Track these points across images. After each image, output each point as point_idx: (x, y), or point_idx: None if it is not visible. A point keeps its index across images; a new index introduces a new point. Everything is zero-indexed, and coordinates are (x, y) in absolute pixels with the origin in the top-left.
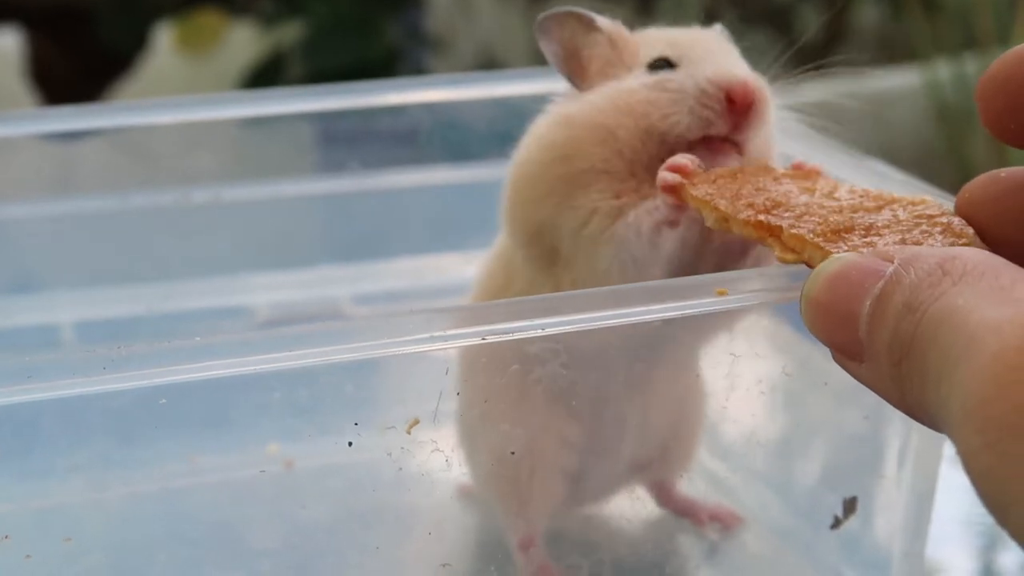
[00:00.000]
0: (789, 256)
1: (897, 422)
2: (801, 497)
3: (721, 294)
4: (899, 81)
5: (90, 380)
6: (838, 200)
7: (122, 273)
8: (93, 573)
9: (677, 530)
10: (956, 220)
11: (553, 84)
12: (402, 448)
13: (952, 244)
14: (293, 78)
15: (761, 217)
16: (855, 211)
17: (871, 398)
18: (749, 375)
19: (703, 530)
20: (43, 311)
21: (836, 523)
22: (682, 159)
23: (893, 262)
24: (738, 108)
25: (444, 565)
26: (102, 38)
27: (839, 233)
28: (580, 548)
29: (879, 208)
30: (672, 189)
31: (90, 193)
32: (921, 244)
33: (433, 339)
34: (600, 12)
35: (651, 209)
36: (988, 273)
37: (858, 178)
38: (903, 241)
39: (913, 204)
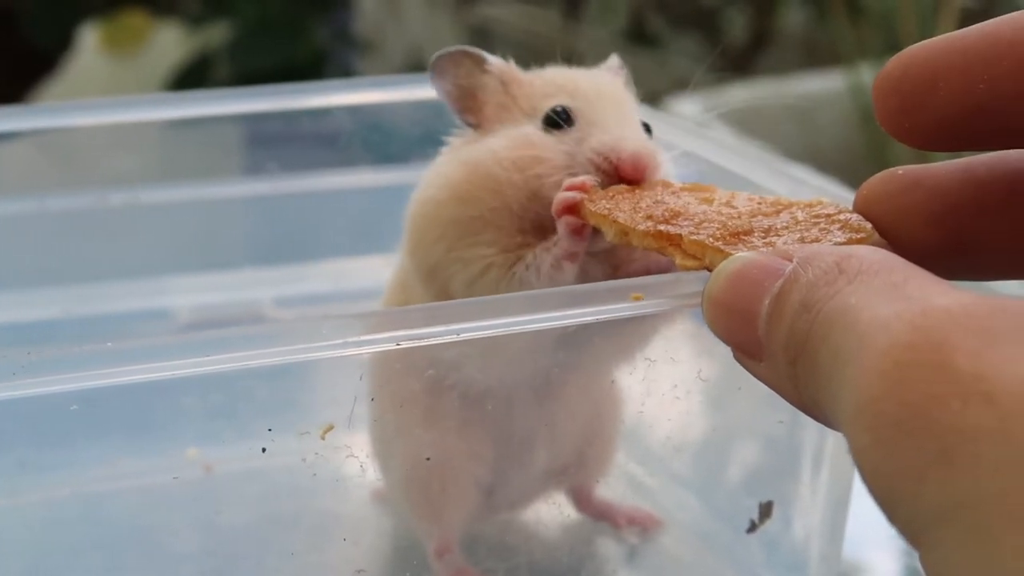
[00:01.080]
0: (690, 263)
1: (813, 426)
2: (720, 500)
3: (637, 299)
4: (824, 84)
5: (2, 385)
6: (736, 208)
7: (43, 275)
8: None
9: (595, 534)
10: (854, 217)
11: None
12: (316, 454)
13: (851, 239)
14: (220, 79)
15: (661, 227)
16: (753, 216)
17: (785, 404)
18: (665, 379)
19: (622, 533)
20: None
21: (752, 527)
22: (581, 178)
23: (792, 261)
24: (627, 180)
25: (359, 571)
26: (26, 38)
27: (738, 236)
28: (497, 552)
29: (777, 212)
30: (571, 208)
31: (10, 195)
32: (820, 241)
33: (347, 344)
34: (527, 15)
35: (548, 246)
36: (883, 271)
37: (777, 184)
38: (802, 240)
39: (810, 206)
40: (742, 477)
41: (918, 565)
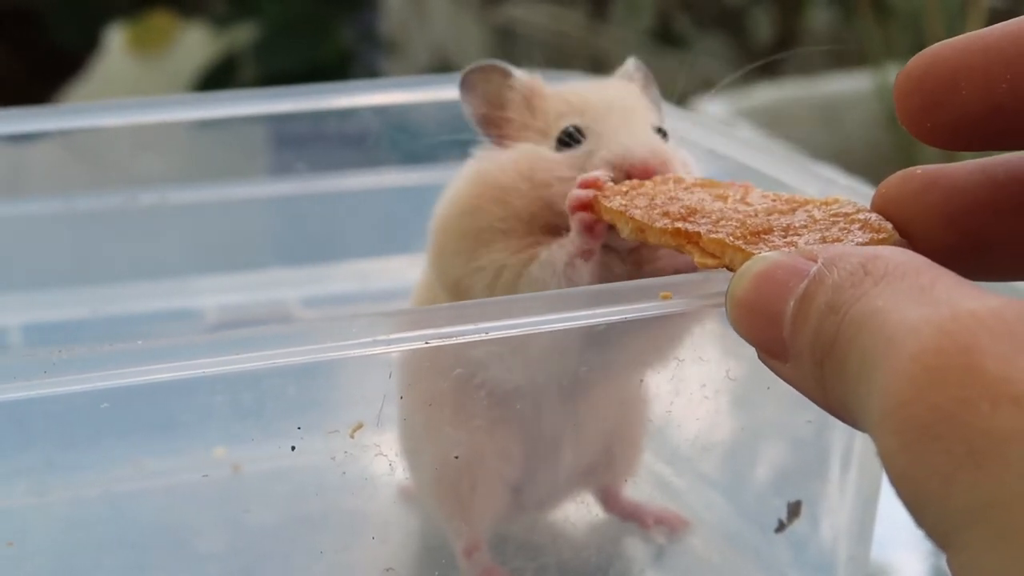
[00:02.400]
0: (710, 261)
1: (841, 426)
2: (748, 500)
3: (666, 298)
4: (851, 85)
5: (31, 384)
6: (751, 205)
7: (72, 275)
8: None
9: (623, 534)
10: (873, 216)
11: None
12: (345, 452)
13: (872, 239)
14: (246, 80)
15: (678, 224)
16: (770, 214)
17: (813, 404)
18: (693, 379)
19: (650, 534)
20: None
21: (780, 527)
22: (594, 174)
23: (816, 261)
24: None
25: (388, 570)
26: (53, 39)
27: (758, 235)
28: (525, 552)
29: (793, 210)
30: (586, 205)
31: (39, 195)
32: (842, 241)
33: (376, 343)
34: (553, 15)
35: (563, 243)
36: (910, 273)
37: (805, 184)
38: (823, 239)
39: (827, 204)
40: (770, 477)
41: (945, 567)
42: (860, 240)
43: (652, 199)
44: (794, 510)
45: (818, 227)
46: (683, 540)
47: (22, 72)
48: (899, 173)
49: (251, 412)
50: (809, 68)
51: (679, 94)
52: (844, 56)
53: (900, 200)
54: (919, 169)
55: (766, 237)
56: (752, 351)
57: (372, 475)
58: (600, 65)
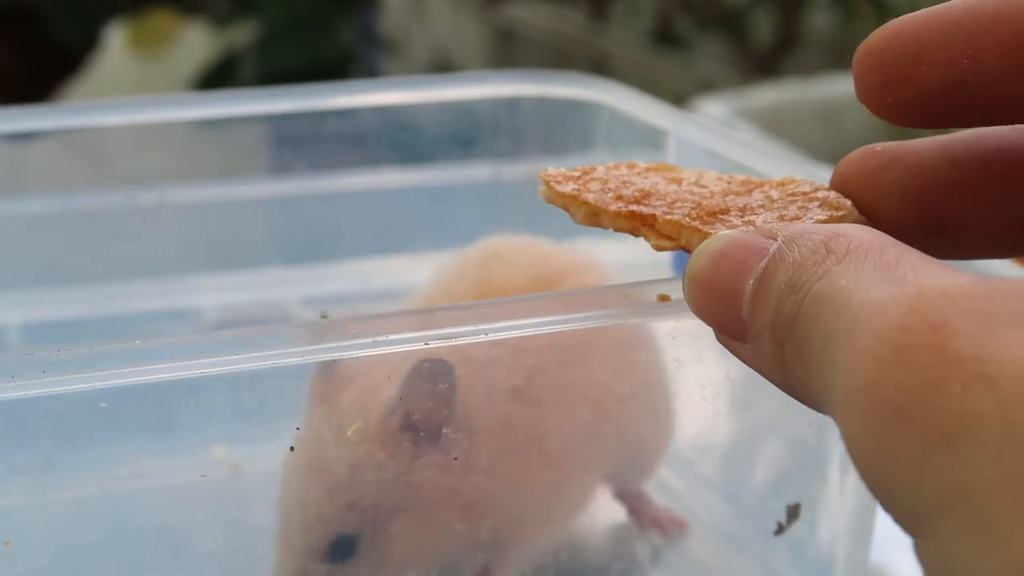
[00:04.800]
0: (666, 244)
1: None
2: (747, 502)
3: (663, 299)
4: (850, 87)
5: (30, 383)
6: (706, 187)
7: (70, 274)
8: None
9: (622, 534)
10: (832, 194)
11: (507, 87)
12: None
13: (831, 217)
14: (246, 79)
15: (633, 207)
16: (726, 195)
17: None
18: (693, 381)
19: (647, 534)
20: None
21: (780, 529)
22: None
23: (776, 239)
24: None
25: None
26: (52, 37)
27: (715, 215)
28: None
29: (749, 191)
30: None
31: (37, 194)
32: (800, 219)
33: (376, 343)
34: (553, 15)
35: None
36: (873, 251)
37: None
38: (781, 218)
39: (783, 184)
40: (769, 479)
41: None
42: (819, 218)
43: (605, 183)
44: (793, 512)
45: (775, 207)
46: (682, 542)
47: (21, 70)
48: (858, 150)
49: (251, 412)
50: (809, 69)
51: (678, 94)
52: (844, 57)
53: (859, 177)
54: (878, 146)
55: (723, 217)
56: None
57: None
58: (600, 66)
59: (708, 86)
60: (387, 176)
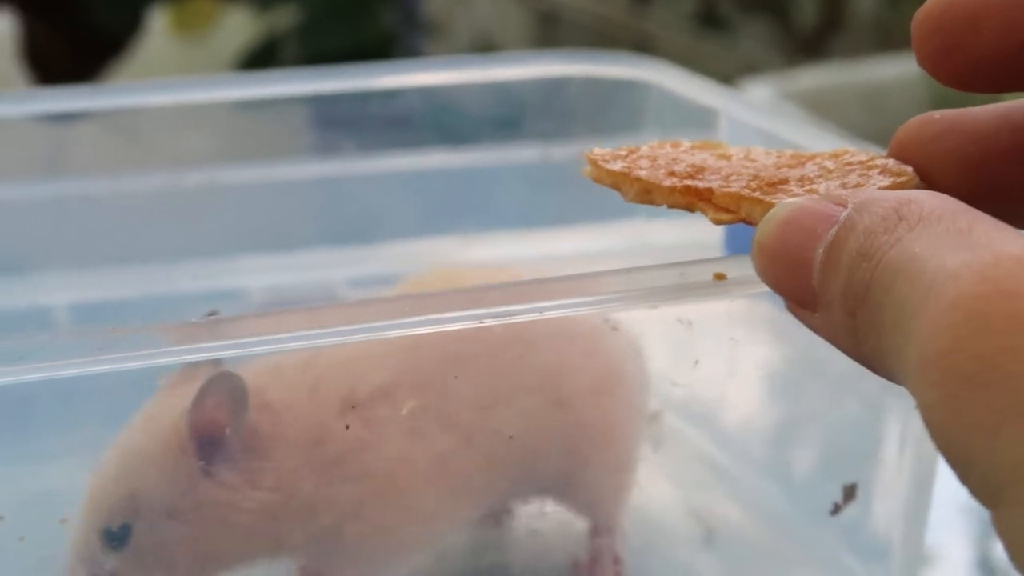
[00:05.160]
0: (724, 216)
1: (896, 407)
2: (800, 483)
3: (719, 278)
4: (895, 69)
5: (85, 361)
6: (756, 160)
7: (116, 255)
8: None
9: (670, 515)
10: (891, 161)
11: (554, 68)
12: None
13: (894, 183)
14: (287, 62)
15: (688, 182)
16: (780, 167)
17: (870, 384)
18: (748, 361)
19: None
20: (36, 293)
21: (836, 509)
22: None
23: (846, 206)
24: None
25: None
26: (96, 21)
27: (774, 185)
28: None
29: (802, 163)
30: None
31: (83, 175)
32: (863, 187)
33: (427, 322)
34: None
35: None
36: (946, 217)
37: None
38: (844, 186)
39: (836, 155)
40: (822, 460)
41: (996, 551)
42: (882, 184)
43: (654, 160)
44: (849, 493)
45: (834, 175)
46: (734, 524)
47: (65, 53)
48: (917, 118)
49: None
50: (854, 51)
51: (722, 77)
52: (889, 39)
53: (918, 145)
54: (937, 114)
55: (783, 187)
56: (806, 331)
57: None
58: (643, 49)
59: (752, 69)
60: (433, 157)
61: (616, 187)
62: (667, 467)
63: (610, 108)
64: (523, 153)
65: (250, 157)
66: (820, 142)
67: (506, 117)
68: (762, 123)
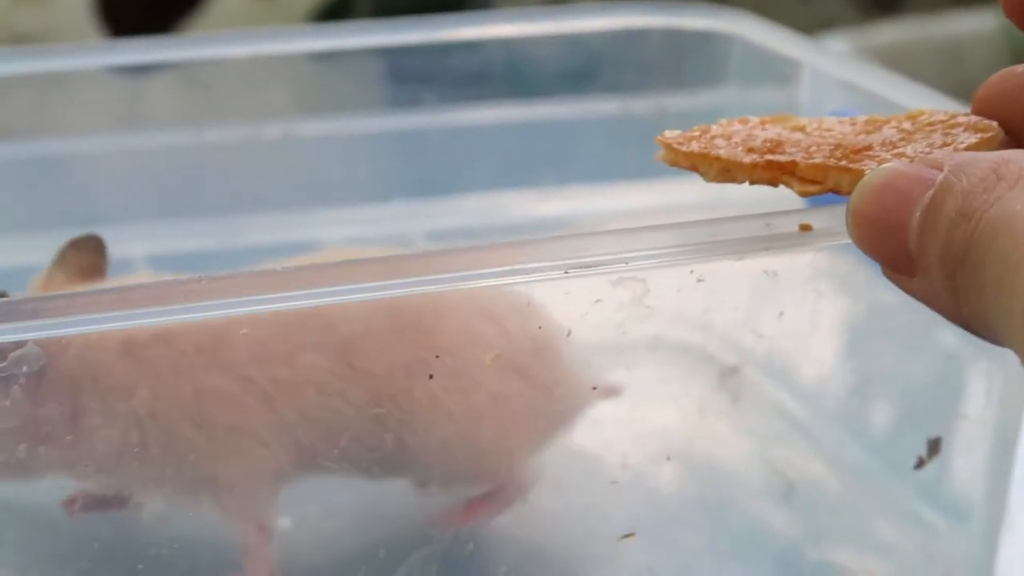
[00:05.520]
0: (811, 188)
1: (982, 361)
2: (880, 438)
3: (806, 229)
4: (974, 24)
5: (173, 309)
6: (832, 129)
7: (193, 207)
8: None
9: (749, 469)
10: (973, 118)
11: (634, 19)
12: None
13: (981, 139)
14: (361, 15)
15: (769, 157)
16: (858, 134)
17: (953, 339)
18: (832, 314)
19: (780, 468)
20: (114, 244)
21: (919, 463)
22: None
23: (942, 169)
24: None
25: (524, 500)
26: None
27: (859, 152)
28: None
29: (879, 128)
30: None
31: (159, 127)
32: (951, 146)
33: (515, 272)
34: None
35: None
36: None
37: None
38: (930, 146)
39: (911, 117)
40: (903, 414)
41: None
42: (969, 142)
43: (729, 138)
44: (934, 447)
45: (917, 137)
46: (814, 478)
47: (140, 6)
48: (999, 73)
49: None
50: (931, 5)
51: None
52: None
53: (1001, 99)
54: (1020, 68)
55: (868, 153)
56: (885, 286)
57: None
58: (719, 1)
59: (827, 24)
60: (511, 110)
61: (695, 168)
62: (747, 421)
63: (690, 60)
64: (602, 106)
65: (325, 109)
66: (908, 95)
67: (584, 70)
68: (846, 75)
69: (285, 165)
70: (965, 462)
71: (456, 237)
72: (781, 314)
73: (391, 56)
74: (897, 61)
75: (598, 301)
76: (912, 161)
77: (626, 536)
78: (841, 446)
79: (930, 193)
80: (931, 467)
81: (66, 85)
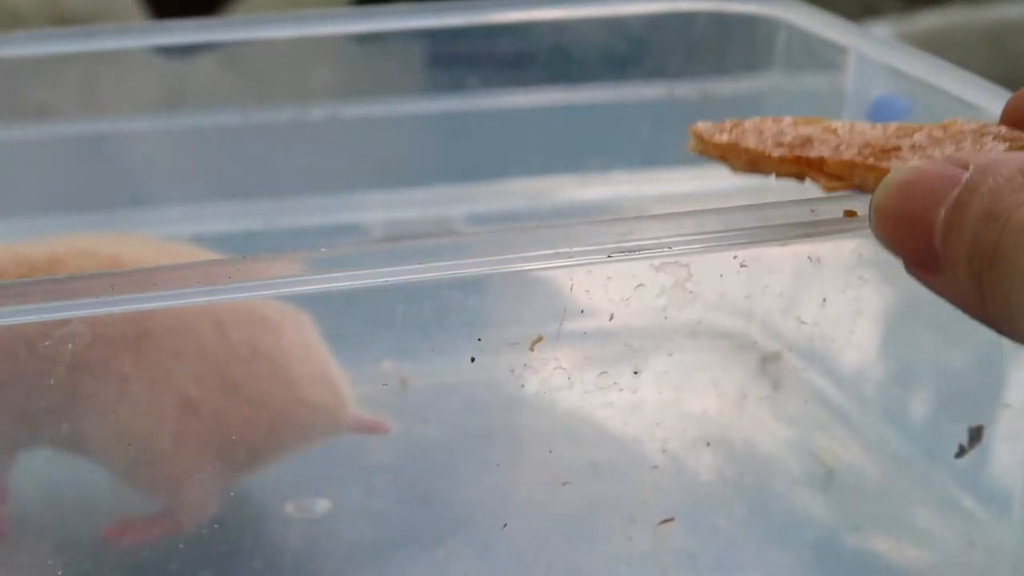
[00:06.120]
0: (837, 184)
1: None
2: (921, 426)
3: (850, 215)
4: (1021, 10)
5: (215, 289)
6: (863, 132)
7: (238, 189)
8: None
9: (790, 456)
10: (1004, 128)
11: (680, 3)
12: (525, 365)
13: (1011, 147)
14: None
15: (798, 152)
16: (889, 137)
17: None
18: (875, 300)
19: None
20: (159, 224)
21: (961, 452)
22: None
23: (967, 168)
24: None
25: (565, 484)
26: None
27: (887, 152)
28: None
29: (911, 134)
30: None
31: (203, 108)
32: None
33: (557, 255)
34: None
35: None
36: None
37: (998, 106)
38: (959, 151)
39: (944, 127)
40: (944, 402)
41: None
42: (999, 148)
43: (760, 133)
44: (976, 435)
45: (946, 144)
46: (851, 464)
47: None
48: None
49: (427, 324)
50: None
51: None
52: None
53: None
54: None
55: (896, 154)
56: None
57: (552, 388)
58: None
59: (870, 9)
60: (554, 94)
61: (724, 159)
62: (787, 407)
63: (735, 45)
64: (646, 91)
65: (369, 92)
66: (953, 81)
67: (629, 54)
68: (892, 61)
69: (328, 147)
70: (1007, 451)
71: (497, 221)
72: (824, 300)
73: (434, 39)
74: (942, 47)
75: (640, 286)
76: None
77: (665, 521)
78: (882, 433)
79: (956, 192)
80: (972, 456)
81: (112, 65)
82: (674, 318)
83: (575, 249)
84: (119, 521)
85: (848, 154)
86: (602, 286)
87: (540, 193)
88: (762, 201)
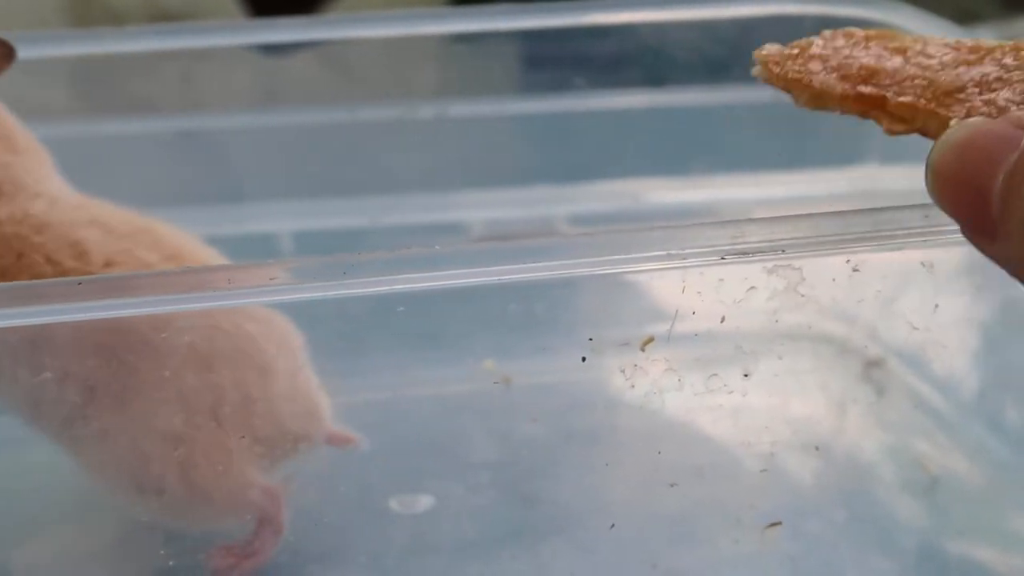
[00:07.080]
0: (899, 127)
1: None
2: (1017, 432)
3: None
4: None
5: (328, 285)
6: (933, 57)
7: (339, 186)
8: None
9: (893, 462)
10: None
11: (789, 6)
12: (635, 366)
13: None
14: None
15: (860, 88)
16: (957, 66)
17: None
18: (984, 306)
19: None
20: (260, 221)
21: None
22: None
23: None
24: None
25: (673, 485)
26: None
27: (951, 95)
28: None
29: (981, 59)
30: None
31: (302, 105)
32: None
33: (671, 256)
34: None
35: None
36: None
37: None
38: None
39: (1017, 48)
40: None
41: None
42: None
43: (826, 61)
44: None
45: (1015, 78)
46: (954, 471)
47: None
48: None
49: (539, 322)
50: None
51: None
52: None
53: None
54: None
55: (959, 96)
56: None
57: (661, 389)
58: None
59: (970, 16)
60: (657, 95)
61: (787, 90)
62: (891, 413)
63: None
64: (750, 94)
65: (471, 92)
66: None
67: (733, 56)
68: None
69: (430, 146)
70: None
71: (598, 222)
72: (936, 306)
73: (533, 39)
74: None
75: (752, 288)
76: (999, 117)
77: (773, 524)
78: (986, 441)
79: (1015, 156)
80: None
81: (210, 62)
82: (785, 321)
83: (688, 251)
84: (217, 551)
85: (912, 94)
86: (714, 288)
87: (642, 195)
88: (867, 205)
